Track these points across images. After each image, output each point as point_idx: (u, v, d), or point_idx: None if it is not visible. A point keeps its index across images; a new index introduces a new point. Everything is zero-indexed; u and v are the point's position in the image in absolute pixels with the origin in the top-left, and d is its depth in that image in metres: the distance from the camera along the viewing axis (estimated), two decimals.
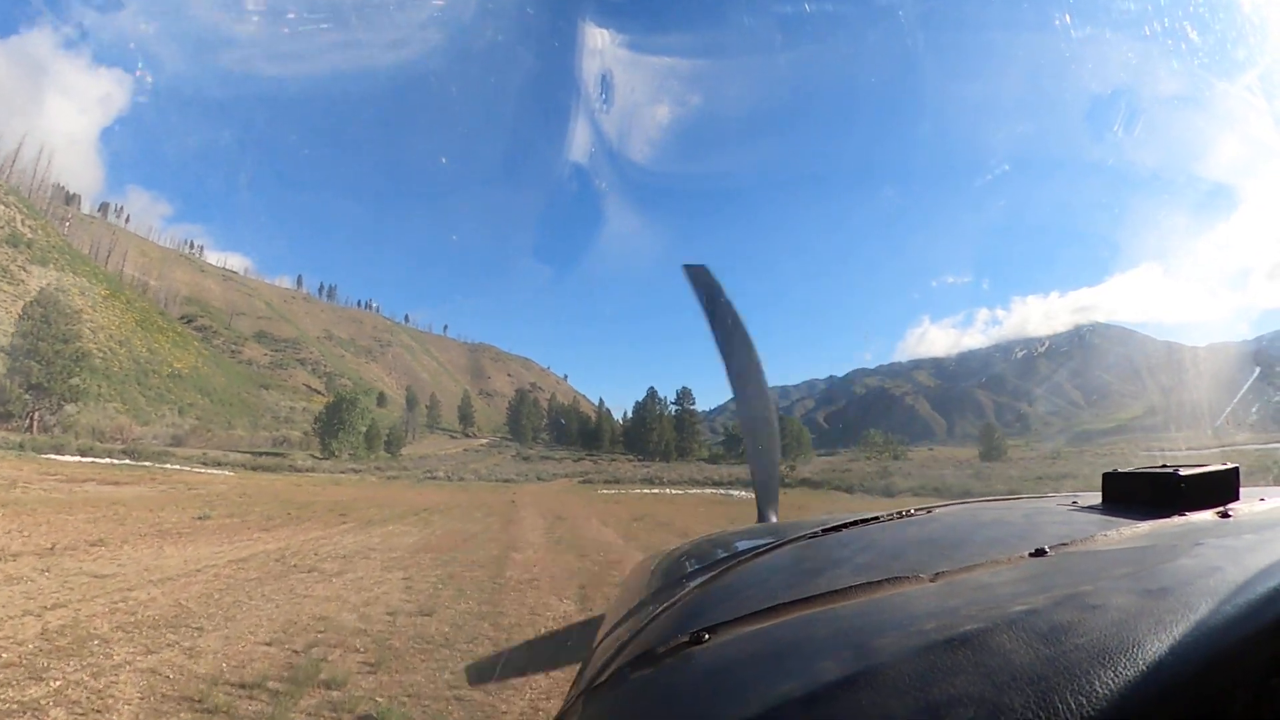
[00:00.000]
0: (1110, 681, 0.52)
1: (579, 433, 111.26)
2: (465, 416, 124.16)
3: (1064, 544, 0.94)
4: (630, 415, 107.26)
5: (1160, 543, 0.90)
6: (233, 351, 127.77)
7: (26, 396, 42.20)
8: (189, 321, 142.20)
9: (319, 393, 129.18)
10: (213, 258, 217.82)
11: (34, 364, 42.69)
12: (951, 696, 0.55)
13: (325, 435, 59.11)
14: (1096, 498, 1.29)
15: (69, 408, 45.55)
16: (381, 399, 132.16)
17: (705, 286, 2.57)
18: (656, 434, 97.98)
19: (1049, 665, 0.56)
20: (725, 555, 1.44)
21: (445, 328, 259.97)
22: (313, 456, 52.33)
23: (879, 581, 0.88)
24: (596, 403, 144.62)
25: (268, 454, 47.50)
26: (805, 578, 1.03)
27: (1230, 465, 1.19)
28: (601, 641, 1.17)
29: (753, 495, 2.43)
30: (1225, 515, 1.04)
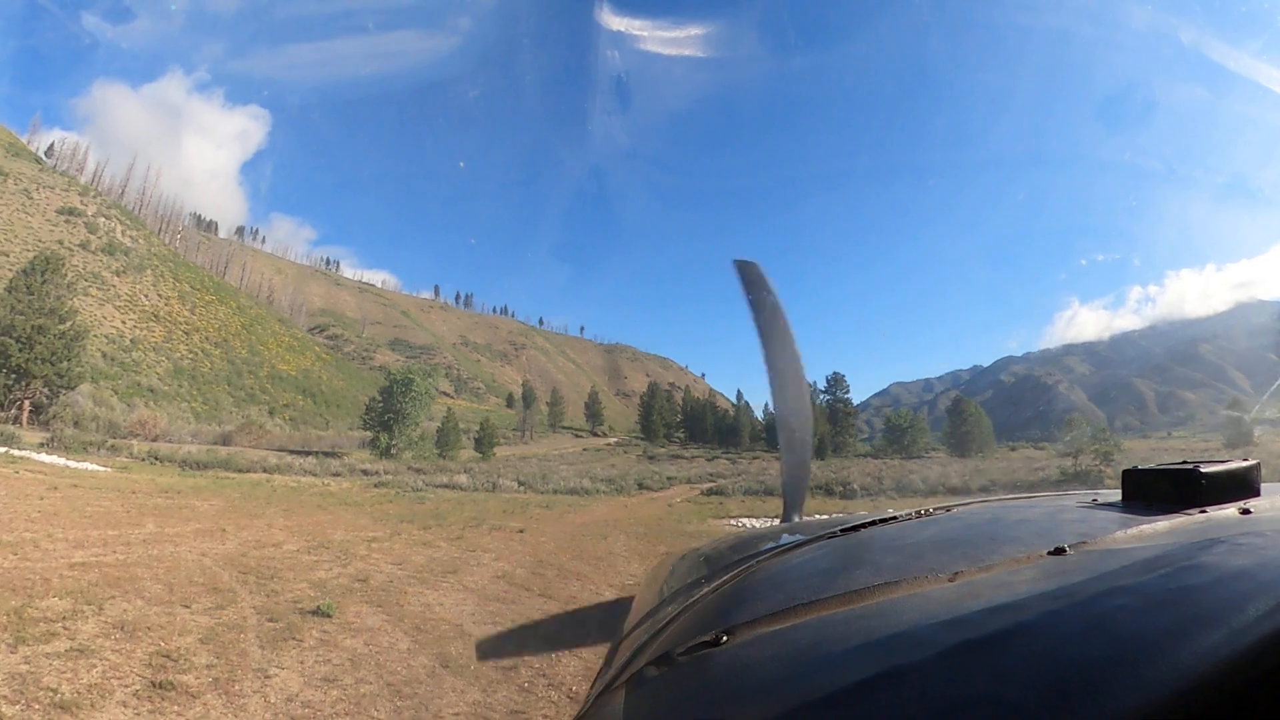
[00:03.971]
0: (1130, 682, 0.51)
1: (715, 429, 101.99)
2: (593, 415, 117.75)
3: (1083, 543, 0.94)
4: (773, 408, 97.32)
5: (1181, 540, 0.89)
6: (364, 358, 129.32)
7: (8, 382, 37.94)
8: (320, 331, 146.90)
9: (449, 396, 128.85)
10: (354, 274, 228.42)
11: (10, 341, 37.99)
12: (970, 698, 0.55)
13: (377, 428, 49.80)
14: (1116, 495, 1.30)
15: (66, 396, 41.48)
16: (511, 400, 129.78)
17: (754, 281, 2.54)
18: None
19: (1068, 666, 0.56)
20: (745, 556, 1.41)
21: (582, 329, 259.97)
22: (380, 455, 45.72)
23: (898, 582, 0.88)
24: (734, 397, 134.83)
25: (321, 453, 41.73)
26: (824, 578, 1.05)
27: (1252, 461, 1.21)
28: (622, 641, 1.19)
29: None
30: (1246, 512, 1.04)
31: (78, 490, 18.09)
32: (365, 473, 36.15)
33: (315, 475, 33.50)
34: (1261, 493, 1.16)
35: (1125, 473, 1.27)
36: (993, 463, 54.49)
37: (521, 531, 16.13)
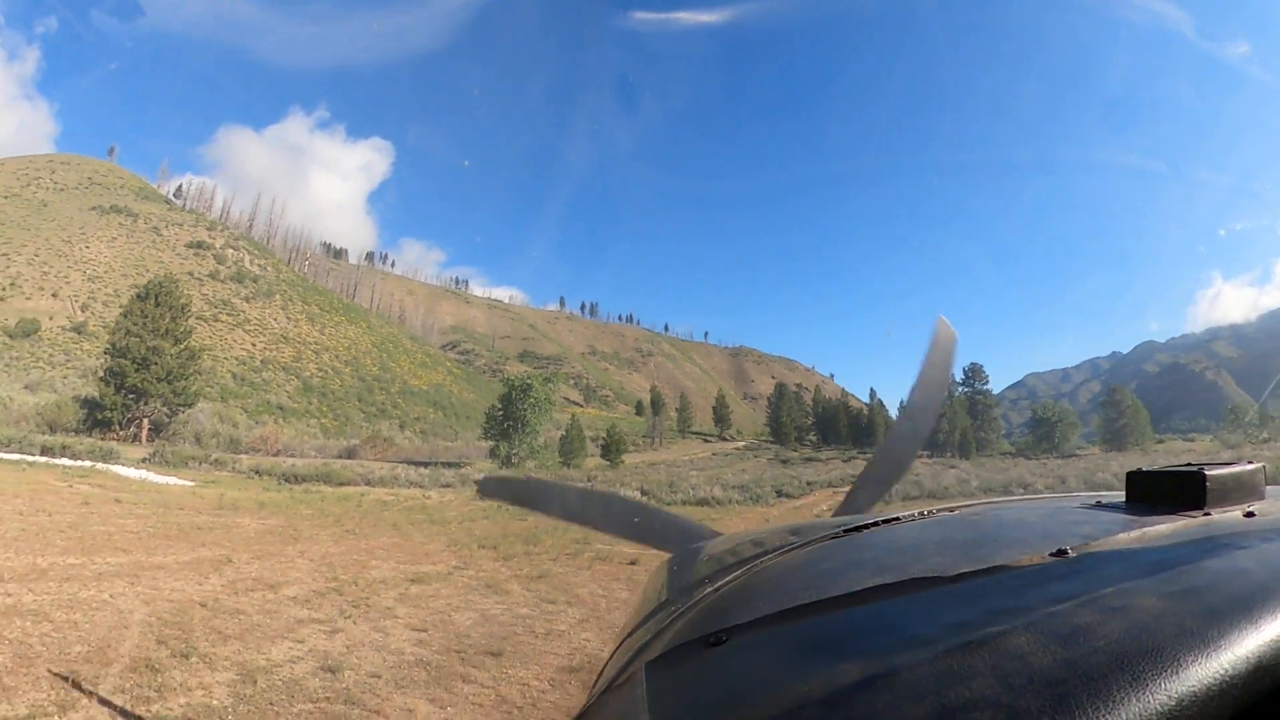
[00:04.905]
0: (1131, 685, 0.51)
1: (849, 429, 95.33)
2: (721, 418, 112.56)
3: (1086, 544, 0.93)
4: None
5: (1184, 543, 0.89)
6: (494, 371, 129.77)
7: (127, 401, 38.06)
8: (452, 347, 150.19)
9: (578, 404, 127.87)
10: (482, 292, 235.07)
11: (126, 363, 38.15)
12: (970, 700, 0.54)
13: (497, 437, 46.86)
14: (1120, 497, 1.29)
15: (185, 414, 41.48)
16: (639, 407, 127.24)
17: (943, 344, 2.58)
18: (947, 422, 78.82)
19: (1069, 668, 0.55)
20: (746, 556, 1.40)
21: (706, 334, 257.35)
22: (501, 464, 42.80)
23: (899, 583, 0.88)
24: (866, 396, 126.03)
25: (443, 464, 39.24)
26: (826, 579, 1.05)
27: (1257, 464, 1.19)
28: (622, 642, 1.18)
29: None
30: (1250, 515, 1.03)
31: (115, 506, 15.13)
32: (477, 483, 32.98)
33: (422, 487, 30.28)
34: (1266, 495, 1.14)
35: (1129, 474, 1.24)
36: (1156, 459, 45.54)
37: (634, 563, 11.08)
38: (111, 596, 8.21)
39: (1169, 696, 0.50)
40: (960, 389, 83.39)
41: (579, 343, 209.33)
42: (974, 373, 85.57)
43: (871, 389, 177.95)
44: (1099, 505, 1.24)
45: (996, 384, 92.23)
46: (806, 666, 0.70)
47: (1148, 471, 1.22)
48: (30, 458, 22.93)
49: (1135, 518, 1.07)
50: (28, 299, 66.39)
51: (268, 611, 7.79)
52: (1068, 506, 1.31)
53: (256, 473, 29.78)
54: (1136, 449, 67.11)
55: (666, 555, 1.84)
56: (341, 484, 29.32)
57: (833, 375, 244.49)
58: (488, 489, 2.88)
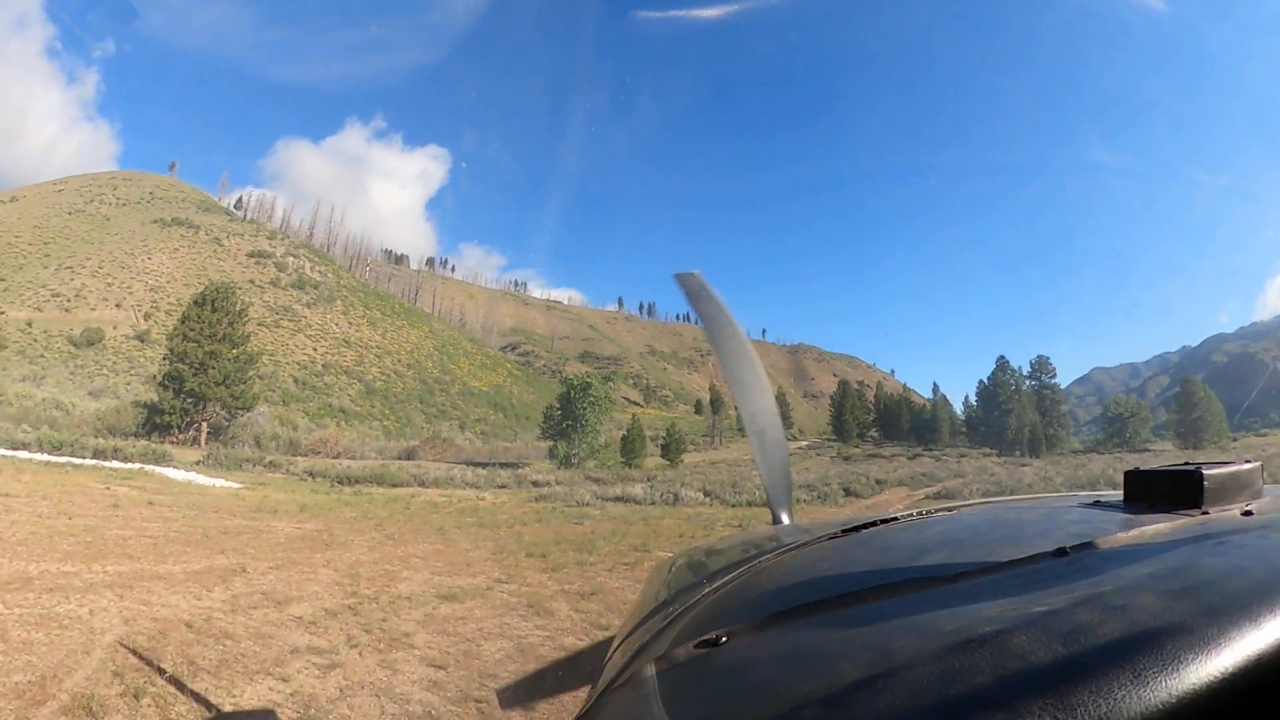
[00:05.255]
0: (1131, 683, 0.51)
1: (912, 425, 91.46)
2: (782, 417, 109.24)
3: (1085, 544, 0.93)
4: (974, 399, 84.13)
5: (1182, 541, 0.90)
6: (554, 372, 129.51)
7: (185, 405, 38.25)
8: (512, 348, 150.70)
9: (637, 404, 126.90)
10: (541, 294, 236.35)
11: (184, 368, 38.36)
12: (971, 699, 0.55)
13: (555, 437, 45.93)
14: (1118, 496, 1.30)
15: (244, 417, 41.77)
16: (698, 406, 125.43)
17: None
18: (1015, 417, 74.39)
19: (1069, 668, 0.55)
20: (744, 557, 1.40)
21: (764, 331, 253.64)
22: (560, 464, 41.70)
23: (899, 583, 0.88)
24: (930, 392, 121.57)
25: (500, 464, 38.41)
26: (825, 579, 1.05)
27: (1255, 463, 1.21)
28: (620, 643, 1.18)
29: None
30: (1248, 513, 1.04)
31: (145, 510, 14.15)
32: (535, 484, 31.83)
33: (477, 488, 29.38)
34: (1264, 494, 1.16)
35: (1127, 474, 1.25)
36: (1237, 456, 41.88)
37: None
38: (91, 612, 6.99)
39: (1169, 695, 0.50)
40: (1027, 382, 79.68)
41: (637, 343, 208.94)
42: (1041, 365, 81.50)
43: (934, 383, 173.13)
44: (1097, 505, 1.25)
45: (1062, 379, 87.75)
46: (806, 667, 0.70)
47: (1146, 471, 1.23)
48: (79, 460, 22.49)
49: (1134, 517, 1.09)
50: (92, 310, 68.27)
51: (262, 636, 6.43)
52: (1066, 506, 1.32)
53: (310, 474, 29.23)
54: (1213, 445, 63.56)
55: (668, 555, 1.76)
56: (394, 485, 28.49)
57: (893, 371, 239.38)
58: (683, 281, 2.57)
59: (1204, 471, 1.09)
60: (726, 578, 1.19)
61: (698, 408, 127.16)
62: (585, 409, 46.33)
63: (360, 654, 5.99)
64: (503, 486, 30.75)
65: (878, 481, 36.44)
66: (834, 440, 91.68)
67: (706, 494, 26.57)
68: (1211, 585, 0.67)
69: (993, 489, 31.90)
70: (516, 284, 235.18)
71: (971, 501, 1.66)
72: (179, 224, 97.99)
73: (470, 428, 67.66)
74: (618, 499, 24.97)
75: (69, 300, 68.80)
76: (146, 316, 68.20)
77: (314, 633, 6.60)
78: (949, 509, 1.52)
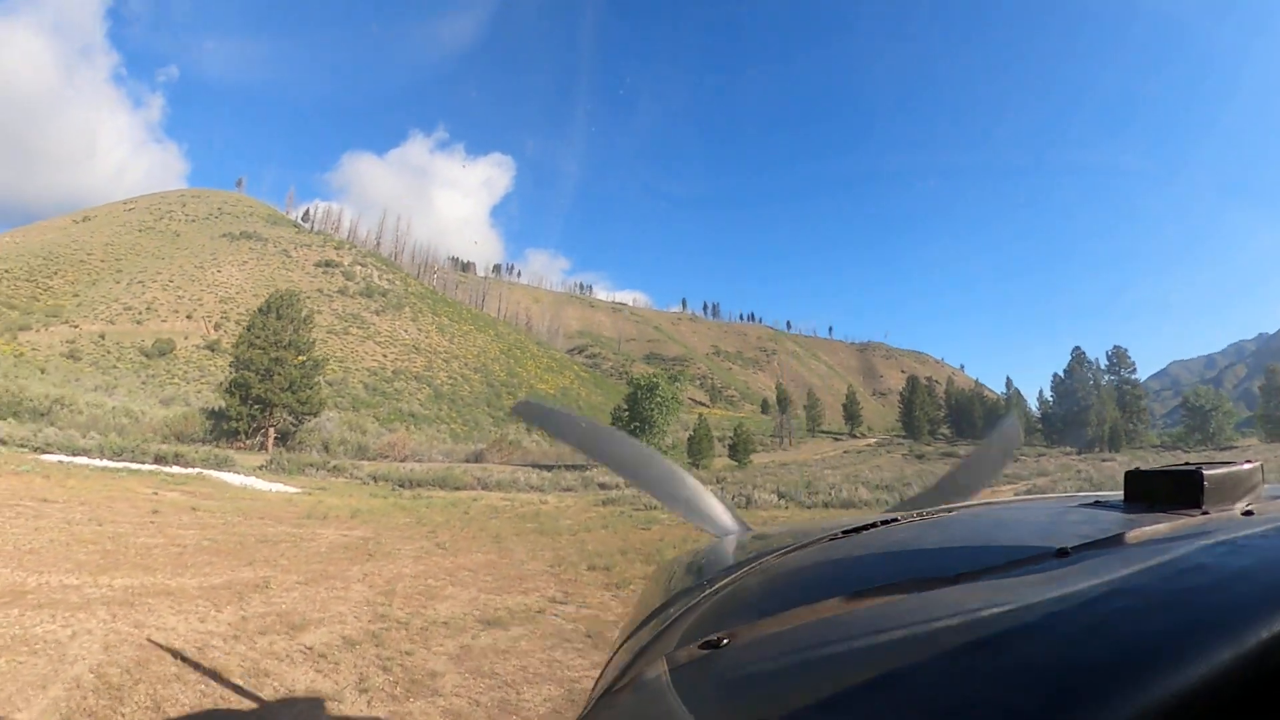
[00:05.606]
0: (1131, 684, 0.51)
1: (985, 421, 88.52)
2: (851, 415, 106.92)
3: (1086, 544, 0.93)
4: (1049, 395, 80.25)
5: (1182, 542, 0.89)
6: (620, 374, 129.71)
7: (252, 411, 38.23)
8: (579, 351, 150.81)
9: (703, 405, 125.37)
10: (606, 296, 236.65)
11: (250, 374, 38.49)
12: (971, 700, 0.55)
13: None
14: (1118, 497, 1.29)
15: (312, 422, 41.70)
16: (765, 406, 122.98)
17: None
18: (1094, 412, 70.09)
19: (1069, 668, 0.56)
20: (745, 558, 1.37)
21: (830, 329, 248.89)
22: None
23: (900, 583, 0.88)
24: (1002, 387, 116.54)
25: (568, 467, 37.26)
26: (826, 580, 1.05)
27: (1255, 463, 1.20)
28: (622, 644, 1.17)
29: None
30: (1249, 513, 1.03)
31: (185, 516, 13.33)
32: (602, 486, 30.68)
33: (541, 491, 28.18)
34: (1264, 494, 1.15)
35: (1127, 474, 1.24)
36: None
37: None
38: (73, 634, 5.93)
39: (1169, 694, 0.50)
40: (1106, 376, 75.86)
41: (703, 343, 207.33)
42: (1119, 357, 77.42)
43: (1008, 378, 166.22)
44: (1097, 505, 1.25)
45: (1139, 373, 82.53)
46: (807, 668, 0.71)
47: (1146, 471, 1.22)
48: (136, 466, 22.10)
49: (1134, 517, 1.09)
50: (163, 321, 70.22)
51: (258, 673, 5.19)
52: (1067, 506, 1.32)
53: (373, 478, 28.61)
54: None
55: (669, 555, 1.64)
56: (456, 488, 27.54)
57: (963, 366, 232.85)
58: (521, 410, 2.51)
59: (1204, 472, 1.08)
60: (728, 579, 1.19)
61: (764, 407, 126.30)
62: (652, 409, 45.44)
63: (370, 702, 4.67)
64: (568, 489, 29.45)
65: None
66: (904, 438, 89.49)
67: (781, 496, 24.93)
68: (1212, 585, 0.67)
69: (1086, 485, 29.75)
70: (582, 287, 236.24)
71: (971, 502, 1.63)
72: (247, 237, 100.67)
73: (538, 430, 67.04)
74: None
75: (140, 313, 70.97)
76: (217, 326, 69.81)
77: (322, 669, 5.33)
78: (949, 509, 1.49)
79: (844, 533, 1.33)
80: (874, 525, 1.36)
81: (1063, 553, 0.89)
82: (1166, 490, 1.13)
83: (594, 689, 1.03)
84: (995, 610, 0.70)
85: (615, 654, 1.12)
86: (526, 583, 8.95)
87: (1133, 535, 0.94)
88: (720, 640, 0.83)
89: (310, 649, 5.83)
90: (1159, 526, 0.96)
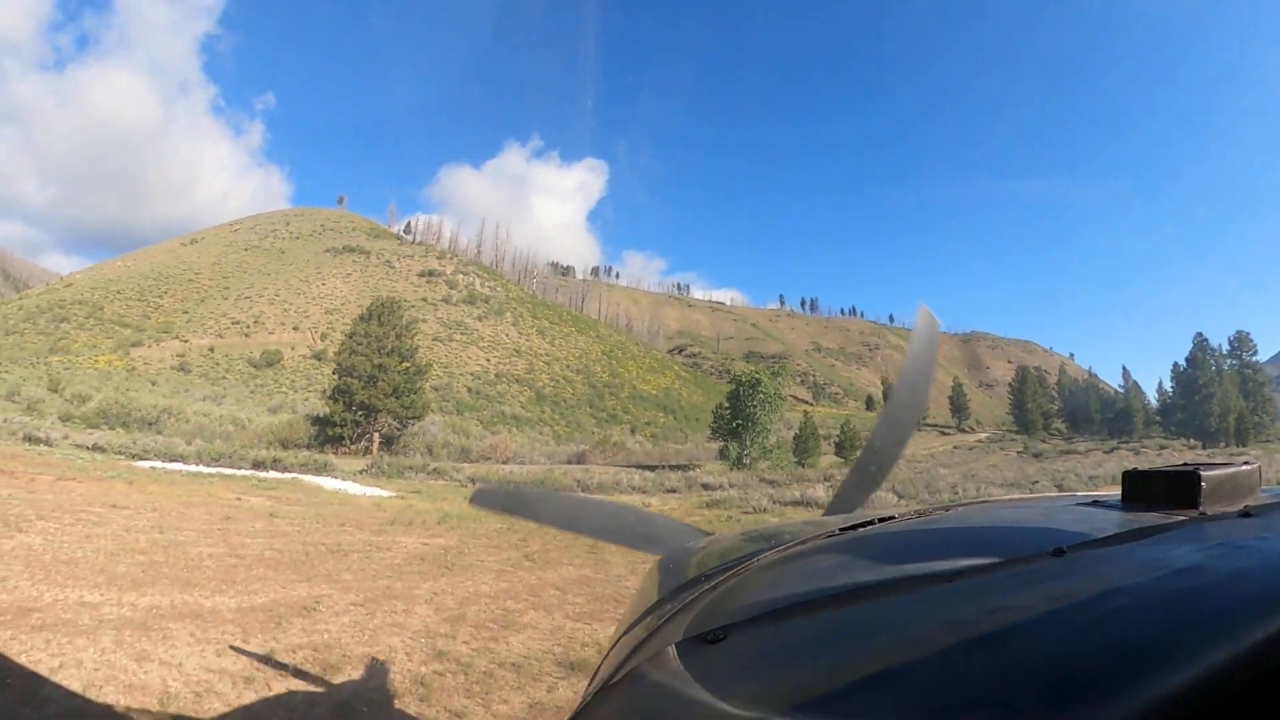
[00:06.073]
0: (1129, 683, 0.51)
1: (1101, 415, 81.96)
2: (958, 409, 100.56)
3: (1083, 543, 0.94)
4: (1169, 384, 72.93)
5: (1179, 542, 0.90)
6: (721, 373, 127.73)
7: (357, 417, 38.54)
8: (679, 351, 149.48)
9: (806, 403, 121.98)
10: (704, 295, 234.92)
11: (353, 381, 38.78)
12: (969, 698, 0.55)
13: (726, 437, 42.61)
14: (1116, 497, 1.30)
15: (415, 426, 41.90)
16: (869, 402, 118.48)
17: (927, 334, 2.54)
18: (1218, 403, 63.37)
19: (1067, 667, 0.56)
20: (742, 555, 1.38)
21: None
22: (732, 466, 38.56)
23: (897, 582, 0.89)
24: (1117, 377, 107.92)
25: (670, 467, 36.00)
26: (823, 577, 1.05)
27: (1253, 464, 1.21)
28: (618, 640, 1.19)
29: None
30: (1246, 514, 1.05)
31: (258, 523, 12.42)
32: (706, 487, 28.97)
33: (644, 492, 26.72)
34: (1261, 495, 1.16)
35: (1125, 474, 1.24)
36: None
37: None
38: (60, 665, 4.81)
39: (1166, 694, 0.50)
40: (1228, 362, 68.83)
41: (802, 339, 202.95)
42: (1241, 342, 70.51)
43: (1124, 367, 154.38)
44: (1095, 504, 1.25)
45: (1259, 354, 73.74)
46: (804, 665, 0.71)
47: (1143, 471, 1.23)
48: (230, 471, 21.86)
49: (1132, 517, 1.09)
50: (270, 334, 72.64)
51: (290, 707, 3.78)
52: (1064, 506, 1.32)
53: (473, 481, 27.96)
54: None
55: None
56: (555, 491, 26.62)
57: (1072, 354, 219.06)
58: (479, 500, 2.52)
59: (1201, 472, 1.08)
60: (724, 576, 1.19)
61: (869, 403, 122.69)
62: (755, 407, 43.10)
63: None
64: (672, 490, 27.96)
65: (1090, 478, 32.07)
66: (1016, 433, 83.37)
67: (898, 495, 22.64)
68: (1208, 586, 0.67)
69: None
70: (679, 287, 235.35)
71: (969, 501, 1.53)
72: (351, 251, 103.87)
73: (640, 431, 66.36)
74: (796, 502, 21.50)
75: (248, 326, 73.72)
76: (323, 336, 71.84)
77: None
78: (946, 508, 1.49)
79: (842, 530, 1.32)
80: (870, 524, 1.35)
81: (1059, 552, 0.88)
82: (1164, 490, 1.13)
83: (590, 682, 1.03)
84: (992, 609, 0.70)
85: (612, 648, 1.13)
86: (622, 606, 7.39)
87: (1129, 535, 0.95)
88: (717, 636, 0.83)
89: (336, 706, 4.39)
90: (1156, 527, 0.97)
